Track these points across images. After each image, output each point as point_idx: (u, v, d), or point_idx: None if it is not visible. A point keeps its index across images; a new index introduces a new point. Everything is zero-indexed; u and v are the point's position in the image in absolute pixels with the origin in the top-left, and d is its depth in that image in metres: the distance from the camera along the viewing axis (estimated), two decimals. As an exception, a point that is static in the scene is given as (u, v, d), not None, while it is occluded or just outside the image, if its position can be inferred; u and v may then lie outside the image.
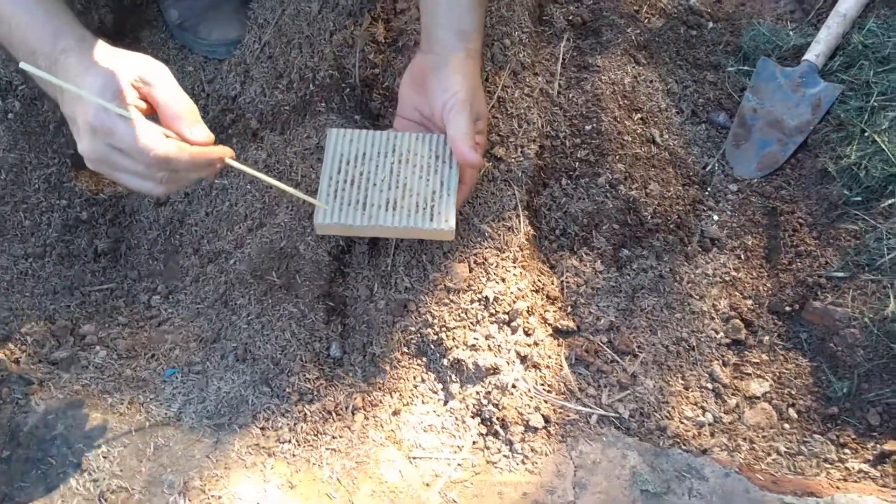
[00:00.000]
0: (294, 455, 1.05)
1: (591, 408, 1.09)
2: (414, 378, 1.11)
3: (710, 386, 1.16)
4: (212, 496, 1.00)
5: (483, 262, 1.14)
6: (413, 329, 1.12)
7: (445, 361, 1.10)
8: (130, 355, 1.17)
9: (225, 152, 0.97)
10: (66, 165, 1.30)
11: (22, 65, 0.87)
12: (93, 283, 1.25)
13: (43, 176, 1.28)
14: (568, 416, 1.08)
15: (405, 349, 1.12)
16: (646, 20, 1.48)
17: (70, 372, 1.13)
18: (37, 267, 1.23)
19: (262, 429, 1.07)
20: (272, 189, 1.24)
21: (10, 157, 1.25)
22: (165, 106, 0.92)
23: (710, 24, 1.53)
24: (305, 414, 1.08)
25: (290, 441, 1.06)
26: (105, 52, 0.95)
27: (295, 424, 1.07)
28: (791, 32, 1.49)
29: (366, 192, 1.10)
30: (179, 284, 1.25)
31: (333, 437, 1.06)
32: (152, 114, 0.94)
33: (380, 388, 1.11)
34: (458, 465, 1.04)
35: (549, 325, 1.15)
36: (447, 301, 1.12)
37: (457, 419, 1.08)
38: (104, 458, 1.04)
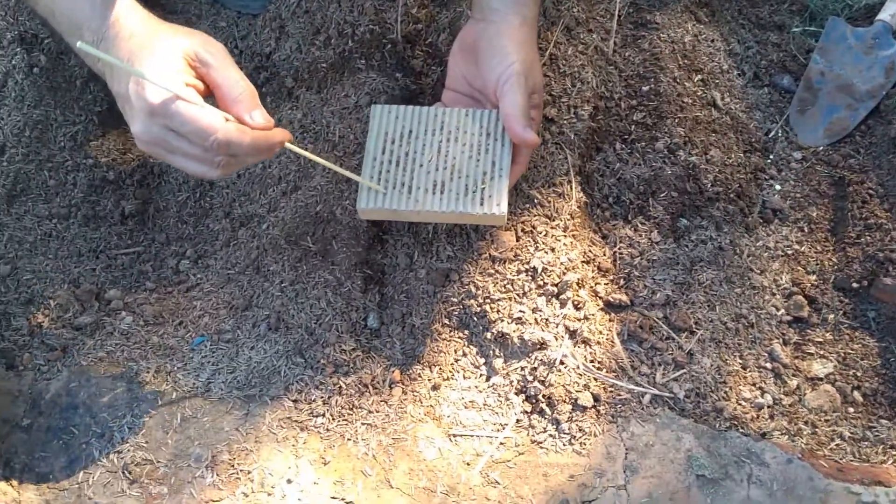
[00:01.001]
0: (328, 430, 1.00)
1: (643, 387, 1.03)
2: (455, 352, 1.05)
3: (769, 366, 1.09)
4: (241, 471, 0.95)
5: (531, 231, 1.07)
6: (455, 300, 1.06)
7: (489, 335, 1.04)
8: (157, 322, 1.11)
9: (285, 136, 0.92)
10: (94, 123, 1.25)
11: (80, 45, 0.80)
12: (119, 247, 1.20)
13: (69, 133, 1.23)
14: (619, 395, 1.02)
15: (446, 321, 1.06)
16: (707, -25, 1.39)
17: (94, 338, 1.09)
18: (61, 228, 1.18)
19: (295, 401, 1.02)
20: (308, 151, 1.18)
21: (34, 113, 1.20)
22: (225, 88, 0.87)
23: (775, -18, 1.44)
24: (340, 387, 1.02)
25: (323, 415, 1.01)
26: (160, 28, 0.90)
27: (329, 398, 1.02)
28: (863, -9, 1.39)
29: (412, 174, 1.03)
30: (209, 249, 1.20)
31: (369, 412, 1.01)
32: (209, 95, 0.89)
33: (419, 362, 1.05)
34: (501, 444, 0.99)
35: (601, 298, 1.08)
36: (492, 271, 1.06)
37: (500, 396, 1.02)
38: (129, 428, 0.99)
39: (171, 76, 0.84)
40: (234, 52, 1.36)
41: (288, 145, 0.93)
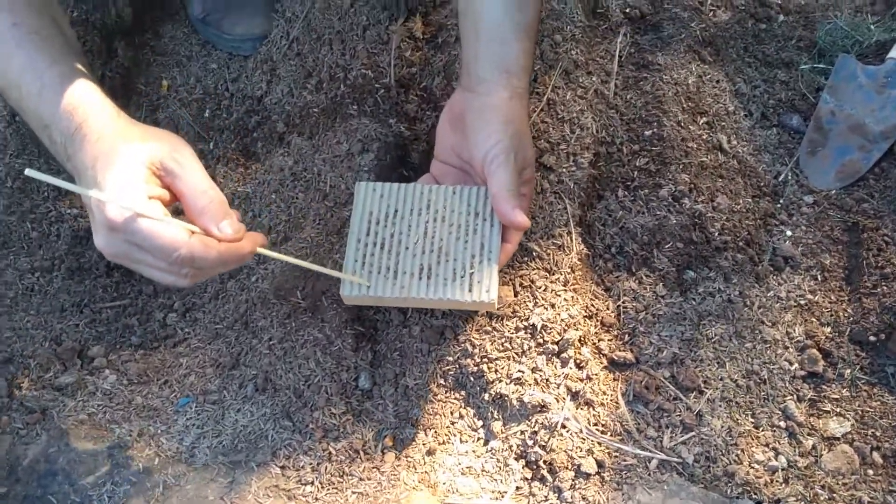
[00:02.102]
0: (317, 499, 0.95)
1: (650, 451, 0.98)
2: (451, 414, 1.00)
3: (783, 425, 1.04)
4: (224, 546, 0.90)
5: (530, 285, 1.02)
6: (451, 359, 1.01)
7: (486, 396, 0.99)
8: (142, 381, 1.07)
9: (255, 243, 0.88)
10: (79, 171, 1.21)
11: (28, 172, 0.77)
12: (104, 300, 1.16)
13: (53, 184, 1.18)
14: (625, 460, 0.97)
15: (442, 381, 1.01)
16: (710, 13, 1.34)
17: (76, 399, 1.04)
18: (44, 282, 1.14)
19: (283, 468, 0.97)
20: (298, 200, 1.14)
21: (17, 162, 1.17)
22: (190, 198, 0.84)
23: (781, 18, 1.40)
24: (330, 453, 0.98)
25: (312, 483, 0.96)
26: (127, 133, 0.86)
27: (318, 464, 0.97)
28: (872, 26, 1.35)
29: (397, 258, 0.99)
30: (197, 302, 1.16)
31: (361, 479, 0.96)
32: (176, 202, 0.86)
33: (413, 425, 1.00)
34: (500, 513, 0.93)
35: (604, 356, 1.03)
36: (489, 328, 1.01)
37: (498, 461, 0.97)
38: (108, 497, 0.95)
39: (132, 189, 0.80)
40: (224, 94, 1.33)
41: (262, 251, 0.89)
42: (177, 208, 0.86)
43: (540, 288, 1.02)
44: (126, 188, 0.80)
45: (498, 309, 1.01)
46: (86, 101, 0.87)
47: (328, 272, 0.98)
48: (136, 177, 0.81)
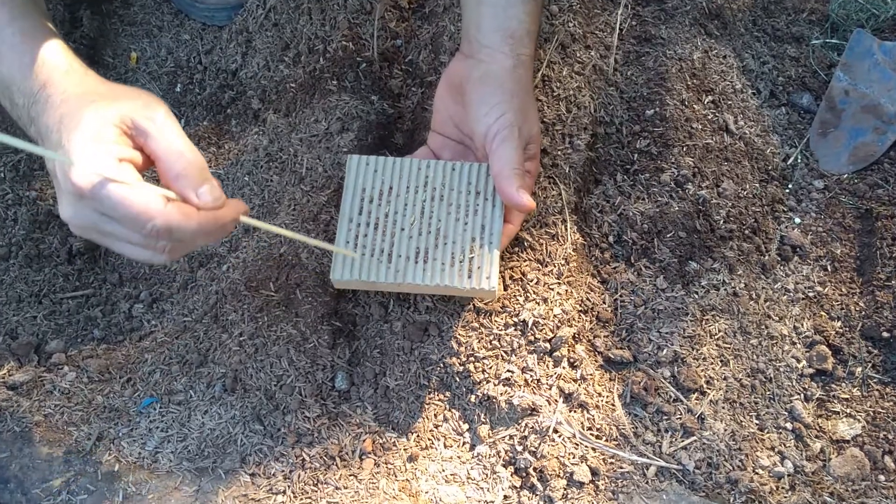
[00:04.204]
0: (289, 509, 0.88)
1: (648, 457, 0.92)
2: (435, 417, 0.94)
3: (789, 426, 0.99)
4: (188, 562, 0.83)
5: (521, 278, 0.95)
6: (435, 358, 0.95)
7: (473, 398, 0.93)
8: (103, 378, 1.00)
9: (238, 210, 0.79)
10: (38, 150, 1.13)
11: None
12: (65, 289, 1.08)
13: (10, 163, 1.12)
14: (621, 467, 0.91)
15: (425, 382, 0.95)
16: (717, -17, 1.26)
17: (31, 398, 0.97)
18: (-1, 271, 1.06)
19: (252, 475, 0.91)
20: (273, 184, 1.06)
21: (-31, 141, 1.08)
22: (166, 161, 0.75)
23: (792, -11, 1.32)
24: (304, 459, 0.91)
25: (284, 492, 0.89)
26: (95, 92, 0.77)
27: (291, 472, 0.90)
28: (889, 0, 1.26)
29: (392, 239, 0.93)
30: (165, 291, 1.08)
31: (337, 488, 0.90)
32: (151, 166, 0.77)
33: (393, 429, 0.94)
34: (487, 525, 0.87)
35: (600, 354, 0.96)
36: (476, 325, 0.94)
37: (485, 468, 0.91)
38: (64, 508, 0.88)
39: (100, 152, 0.71)
40: (197, 68, 1.24)
41: (244, 219, 0.80)
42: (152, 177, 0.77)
43: (531, 281, 0.95)
44: (94, 151, 0.71)
45: (487, 303, 0.94)
46: (50, 58, 0.79)
47: (318, 244, 0.91)
48: (105, 137, 0.73)
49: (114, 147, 0.73)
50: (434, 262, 0.91)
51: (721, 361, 0.98)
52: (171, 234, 0.73)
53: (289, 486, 0.89)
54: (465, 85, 0.95)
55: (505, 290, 0.95)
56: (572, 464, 0.90)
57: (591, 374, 0.93)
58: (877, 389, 1.01)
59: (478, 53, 0.95)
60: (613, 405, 0.94)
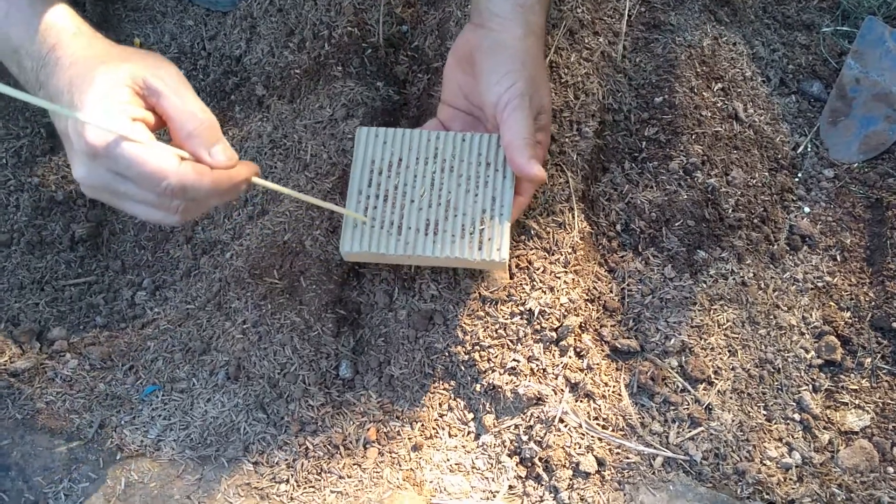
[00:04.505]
0: (292, 498, 0.88)
1: (655, 448, 0.90)
2: (440, 406, 0.93)
3: (797, 417, 0.97)
4: (190, 551, 0.83)
5: (527, 267, 0.94)
6: (440, 346, 0.93)
7: (478, 387, 0.92)
8: (105, 366, 0.99)
9: (251, 171, 0.79)
10: (41, 136, 1.13)
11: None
12: (67, 276, 1.08)
13: (12, 149, 1.11)
14: (627, 457, 0.90)
15: (430, 371, 0.94)
16: (727, -31, 1.24)
17: (33, 386, 0.96)
18: (1, 258, 1.05)
19: (255, 464, 0.90)
20: (277, 171, 1.05)
21: (-29, 126, 1.07)
22: (178, 120, 0.75)
23: (803, -25, 1.30)
24: (307, 448, 0.90)
25: (287, 480, 0.89)
26: (106, 53, 0.77)
27: (294, 460, 0.90)
28: (902, -14, 1.24)
29: (402, 211, 0.92)
30: (168, 279, 1.07)
31: (340, 478, 0.89)
32: (163, 127, 0.76)
33: (398, 418, 0.93)
34: (492, 515, 0.86)
35: (607, 343, 0.95)
36: (482, 313, 0.93)
37: (490, 458, 0.90)
38: (66, 496, 0.88)
39: (114, 111, 0.71)
40: (201, 54, 1.23)
41: (256, 180, 0.81)
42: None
43: (538, 269, 0.94)
44: (107, 110, 0.71)
45: (492, 292, 0.93)
46: (58, 21, 0.79)
47: (330, 206, 0.90)
48: (118, 97, 0.72)
49: (127, 106, 0.72)
50: (444, 234, 0.90)
51: (729, 351, 0.97)
52: (185, 192, 0.72)
53: (292, 475, 0.88)
54: (475, 55, 0.93)
55: (511, 278, 0.94)
56: (578, 454, 0.89)
57: (597, 364, 0.92)
58: (886, 380, 1.00)
59: (488, 23, 0.93)
60: (620, 395, 0.93)
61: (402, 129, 0.96)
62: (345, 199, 0.93)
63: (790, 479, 0.92)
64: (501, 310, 0.93)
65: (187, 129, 0.74)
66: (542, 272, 0.94)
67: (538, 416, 0.89)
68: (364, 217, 0.91)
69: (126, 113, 0.72)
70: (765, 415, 0.96)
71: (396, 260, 0.92)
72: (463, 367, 0.92)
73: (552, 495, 0.88)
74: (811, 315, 1.03)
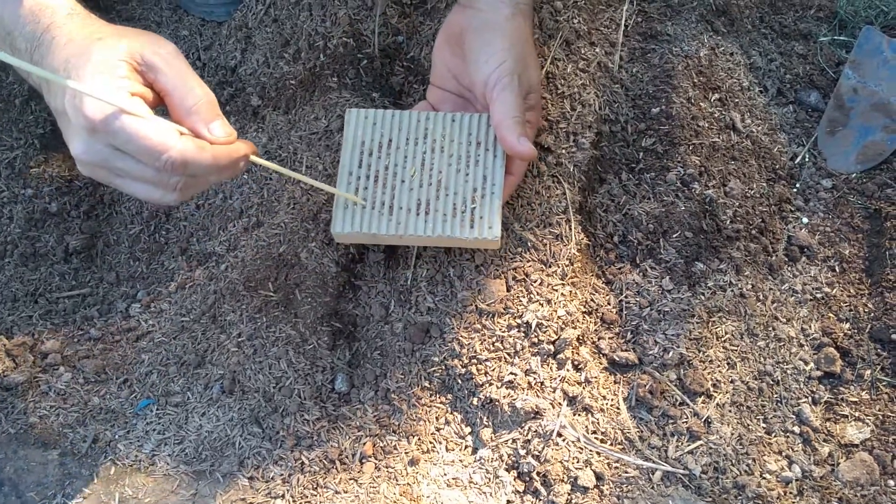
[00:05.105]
0: (288, 514, 0.86)
1: (654, 462, 0.90)
2: (437, 419, 0.92)
3: (797, 430, 0.97)
4: (184, 567, 0.82)
5: (524, 279, 0.93)
6: (436, 359, 0.93)
7: (475, 400, 0.91)
8: (100, 379, 0.98)
9: (249, 148, 0.79)
10: (34, 148, 1.12)
11: (1, 55, 0.67)
12: (61, 288, 1.07)
13: (6, 160, 1.10)
14: (626, 472, 0.89)
15: (426, 384, 0.93)
16: (725, -21, 1.24)
17: (26, 400, 0.95)
18: (-6, 270, 1.04)
19: (251, 479, 0.89)
20: (272, 182, 1.04)
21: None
22: (177, 96, 0.75)
23: (801, -15, 1.30)
24: (303, 462, 0.89)
25: (283, 496, 0.88)
26: (102, 31, 0.77)
27: (290, 475, 0.89)
28: (899, -5, 1.24)
29: (392, 192, 0.92)
30: (163, 291, 1.06)
31: (336, 493, 0.88)
32: (161, 105, 0.76)
33: (394, 432, 0.92)
34: (489, 530, 0.85)
35: (605, 356, 0.94)
36: (479, 326, 0.92)
37: (488, 472, 0.89)
38: (59, 511, 0.86)
39: (112, 86, 0.71)
40: (196, 64, 1.23)
41: (255, 159, 0.81)
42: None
43: (535, 282, 0.93)
44: (106, 84, 0.70)
45: (489, 304, 0.92)
46: (52, 2, 0.79)
47: (324, 187, 0.91)
48: (116, 72, 0.72)
49: (125, 81, 0.72)
50: (436, 214, 0.90)
51: (728, 364, 0.96)
52: (185, 167, 0.72)
53: (287, 490, 0.87)
54: (464, 35, 0.94)
55: (508, 291, 0.93)
56: (576, 468, 0.88)
57: (595, 377, 0.91)
58: (886, 392, 0.99)
59: (476, 3, 0.94)
60: (618, 409, 0.92)
61: (392, 111, 0.96)
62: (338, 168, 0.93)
63: (790, 493, 0.91)
64: (498, 322, 0.92)
65: (186, 104, 0.74)
66: (540, 284, 0.93)
67: (536, 430, 0.89)
68: (358, 198, 0.91)
69: (125, 88, 0.71)
70: (764, 428, 0.95)
71: (389, 240, 0.92)
72: (460, 381, 0.92)
73: (550, 510, 0.87)
74: (810, 326, 1.03)
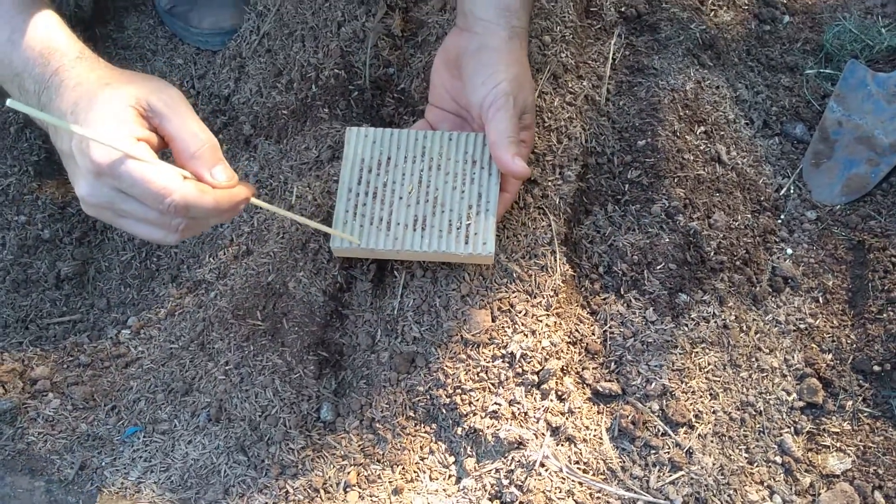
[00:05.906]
0: (272, 542, 0.87)
1: (636, 492, 0.90)
2: (421, 449, 0.93)
3: (779, 460, 0.97)
4: None
5: (509, 310, 0.94)
6: (421, 389, 0.93)
7: (459, 430, 0.92)
8: (88, 406, 0.99)
9: (249, 192, 0.81)
10: (28, 175, 1.13)
11: (9, 102, 0.69)
12: (52, 314, 1.08)
13: (0, 187, 1.10)
14: (608, 502, 0.89)
15: (411, 413, 0.94)
16: (711, 13, 1.26)
17: (15, 426, 0.96)
18: (-15, 295, 1.05)
19: (236, 507, 0.89)
20: (263, 211, 1.05)
21: (-41, 165, 1.08)
22: (181, 141, 0.77)
23: (787, 19, 1.32)
24: (287, 491, 0.90)
25: (267, 525, 0.87)
26: (109, 75, 0.79)
27: (275, 503, 0.88)
28: (884, 30, 1.26)
29: (390, 208, 0.94)
30: (153, 317, 1.07)
31: (320, 522, 0.88)
32: (165, 148, 0.78)
33: (379, 461, 0.93)
34: (472, 560, 0.85)
35: (588, 386, 0.95)
36: (464, 356, 0.93)
37: (471, 501, 0.90)
38: (44, 538, 0.86)
39: (118, 131, 0.73)
40: (190, 92, 1.24)
41: (254, 201, 0.83)
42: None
43: (520, 312, 0.94)
44: (112, 129, 0.72)
45: (474, 335, 0.93)
46: (61, 46, 0.81)
47: (319, 227, 0.92)
48: (123, 118, 0.74)
49: (131, 126, 0.74)
50: (432, 230, 0.93)
51: (710, 395, 0.97)
52: (188, 210, 0.74)
53: (272, 519, 0.88)
54: (461, 58, 0.96)
55: (493, 321, 0.94)
56: (559, 498, 0.88)
57: (578, 408, 0.92)
58: (867, 423, 1.00)
59: (473, 27, 0.97)
60: (601, 439, 0.93)
61: (391, 129, 0.99)
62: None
63: (771, 524, 0.92)
64: (483, 353, 0.93)
65: (190, 150, 0.76)
66: (525, 315, 0.94)
67: (519, 460, 0.89)
68: (354, 238, 0.92)
69: (130, 133, 0.73)
70: (746, 458, 0.95)
71: (386, 255, 0.94)
72: (444, 410, 0.92)
73: (532, 540, 0.87)
74: (793, 357, 1.03)
